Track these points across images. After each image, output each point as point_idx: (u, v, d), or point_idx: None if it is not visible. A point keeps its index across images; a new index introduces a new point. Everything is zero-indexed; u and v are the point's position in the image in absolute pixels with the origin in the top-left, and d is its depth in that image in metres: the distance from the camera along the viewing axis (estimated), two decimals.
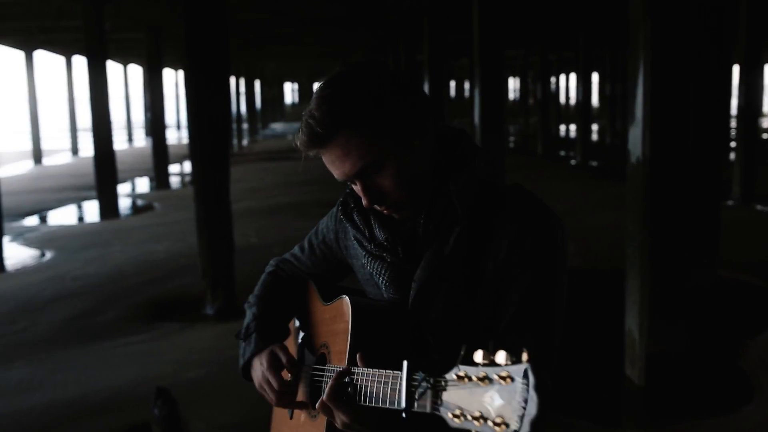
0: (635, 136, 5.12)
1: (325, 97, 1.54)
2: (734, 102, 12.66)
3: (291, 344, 1.99)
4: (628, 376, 5.33)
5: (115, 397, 5.13)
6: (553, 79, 31.43)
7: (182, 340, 6.43)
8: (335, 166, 1.57)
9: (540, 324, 1.54)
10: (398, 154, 1.55)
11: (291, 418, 1.90)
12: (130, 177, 19.15)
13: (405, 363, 1.33)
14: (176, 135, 34.95)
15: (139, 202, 15.53)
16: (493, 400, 1.12)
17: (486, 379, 1.14)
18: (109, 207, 13.41)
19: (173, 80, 37.90)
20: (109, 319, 7.01)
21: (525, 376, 1.09)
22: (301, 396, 1.81)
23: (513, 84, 47.79)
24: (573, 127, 31.30)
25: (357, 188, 1.60)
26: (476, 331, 1.60)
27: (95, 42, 12.80)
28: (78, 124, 28.44)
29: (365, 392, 1.45)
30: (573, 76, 31.70)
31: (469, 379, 1.17)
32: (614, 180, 15.43)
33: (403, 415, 1.31)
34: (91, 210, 14.33)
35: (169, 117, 24.51)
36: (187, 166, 21.55)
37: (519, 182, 1.68)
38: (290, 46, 25.16)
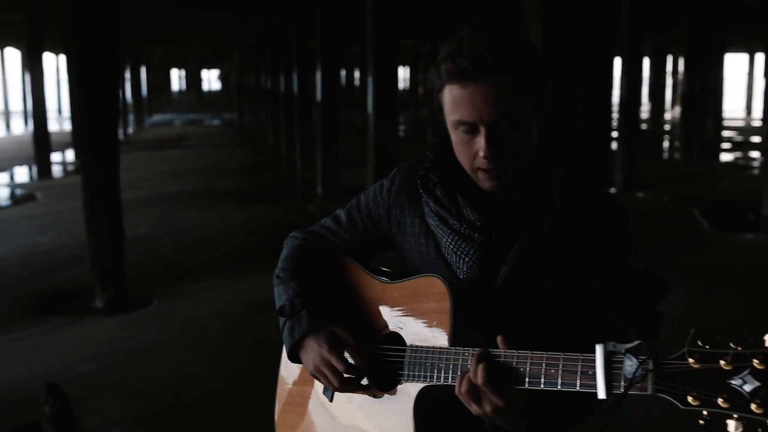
0: None
1: (499, 37, 1.53)
2: (616, 93, 13.15)
3: None
4: None
5: (1, 395, 4.93)
6: None
7: (71, 334, 6.24)
8: (474, 105, 1.53)
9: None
10: (531, 122, 1.57)
11: (331, 400, 1.79)
12: (9, 166, 18.35)
13: (600, 347, 1.32)
14: (57, 121, 33.73)
15: (20, 192, 14.89)
16: (745, 383, 1.14)
17: (731, 363, 1.15)
18: None
19: (54, 65, 36.59)
20: None
21: None
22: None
23: (403, 73, 48.16)
24: None
25: (471, 138, 1.57)
26: (560, 313, 1.67)
27: None
28: None
29: (526, 375, 1.42)
30: None
31: (705, 363, 1.18)
32: None
33: (603, 396, 1.31)
34: None
35: (50, 103, 23.61)
36: (70, 155, 20.85)
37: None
38: (178, 32, 24.61)
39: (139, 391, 4.97)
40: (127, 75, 32.65)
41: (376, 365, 1.72)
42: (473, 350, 1.50)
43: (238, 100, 40.48)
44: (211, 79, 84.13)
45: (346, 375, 1.68)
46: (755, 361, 1.14)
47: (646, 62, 33.24)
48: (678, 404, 1.21)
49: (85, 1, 6.75)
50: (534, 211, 1.63)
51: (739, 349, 1.16)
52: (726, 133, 24.77)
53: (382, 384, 1.70)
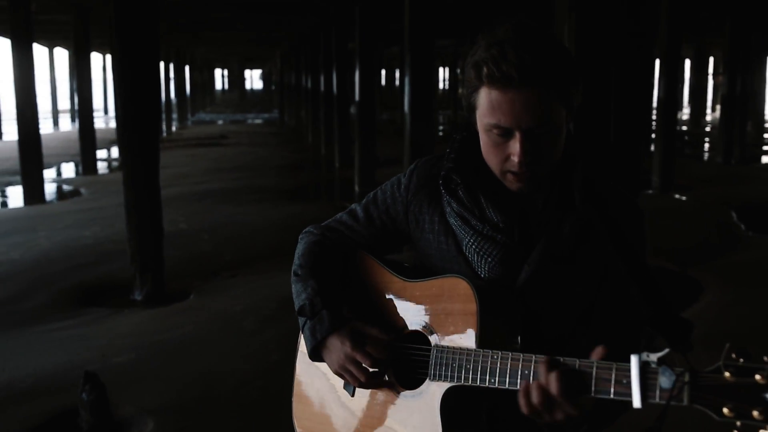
0: None
1: (543, 43, 1.53)
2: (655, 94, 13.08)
3: None
4: None
5: (42, 383, 5.09)
6: None
7: (110, 326, 6.39)
8: (513, 111, 1.53)
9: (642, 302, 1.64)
10: (563, 127, 1.60)
11: (353, 395, 1.79)
12: (56, 162, 18.73)
13: (635, 357, 1.34)
14: (103, 120, 34.29)
15: (66, 187, 15.22)
16: None
17: (766, 378, 1.20)
18: (34, 192, 13.14)
19: (101, 64, 37.18)
20: (35, 304, 6.91)
21: None
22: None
23: (443, 74, 48.09)
24: None
25: (504, 141, 1.58)
26: (580, 312, 1.70)
27: (21, 23, 12.51)
28: (0, 108, 27.63)
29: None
30: None
31: (740, 376, 1.22)
32: None
33: (638, 406, 1.33)
34: (16, 195, 14.01)
35: (97, 101, 24.04)
36: (115, 152, 21.22)
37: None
38: (221, 32, 24.89)
39: (174, 382, 5.09)
40: (172, 74, 33.06)
41: (398, 363, 1.73)
42: (502, 353, 1.53)
43: (279, 99, 40.78)
44: (253, 79, 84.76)
45: (371, 369, 1.69)
46: None
47: (687, 64, 32.86)
48: (713, 415, 1.24)
49: (128, 1, 6.92)
50: (555, 212, 1.65)
51: (752, 362, 1.21)
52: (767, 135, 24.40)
53: (405, 381, 1.72)
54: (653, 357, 1.33)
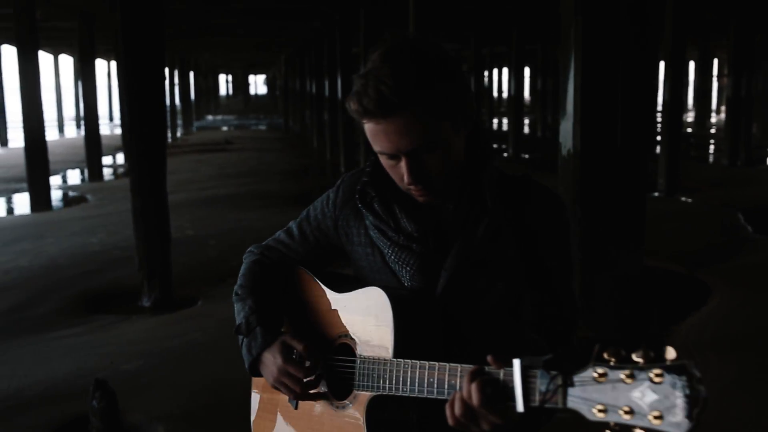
0: (566, 129, 5.29)
1: (402, 68, 1.53)
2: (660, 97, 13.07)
3: None
4: None
5: (51, 391, 5.08)
6: (486, 73, 31.75)
7: (119, 332, 6.39)
8: (388, 139, 1.56)
9: (567, 296, 1.70)
10: (450, 139, 1.60)
11: (296, 408, 1.85)
12: (62, 169, 18.78)
13: (516, 362, 1.35)
14: (108, 126, 34.37)
15: (72, 194, 15.26)
16: (645, 396, 1.19)
17: (631, 377, 1.21)
18: (40, 199, 13.16)
19: (105, 71, 37.27)
20: (43, 312, 6.92)
21: (681, 372, 1.17)
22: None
23: None
24: (505, 121, 31.71)
25: (395, 164, 1.61)
26: (504, 315, 1.70)
27: (26, 31, 12.55)
28: (6, 115, 27.69)
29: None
30: (505, 71, 32.15)
31: (609, 376, 1.23)
32: (545, 172, 15.75)
33: (521, 410, 1.35)
34: (22, 202, 14.04)
35: (102, 108, 24.09)
36: (121, 158, 21.25)
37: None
38: (225, 38, 24.95)
39: (182, 389, 5.08)
40: (176, 80, 33.12)
41: (332, 374, 1.77)
42: (412, 362, 1.56)
43: (283, 104, 40.83)
44: (257, 84, 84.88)
45: (305, 380, 1.74)
46: (651, 375, 1.19)
47: (692, 66, 32.86)
48: (586, 416, 1.25)
49: (134, 8, 6.94)
50: (469, 216, 1.67)
51: (640, 362, 1.21)
52: None
53: (339, 392, 1.76)
54: (538, 361, 1.34)
